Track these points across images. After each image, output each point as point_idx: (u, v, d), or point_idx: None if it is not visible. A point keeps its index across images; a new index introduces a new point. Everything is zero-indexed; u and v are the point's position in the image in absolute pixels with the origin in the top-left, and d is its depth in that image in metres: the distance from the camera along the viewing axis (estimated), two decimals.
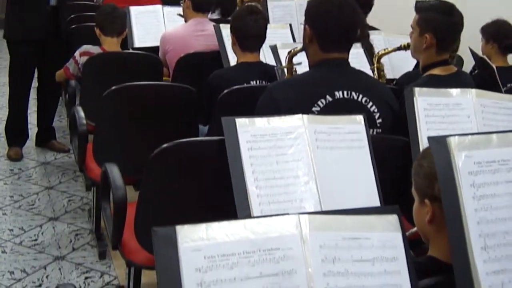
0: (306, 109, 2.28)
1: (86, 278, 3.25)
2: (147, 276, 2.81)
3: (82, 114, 3.35)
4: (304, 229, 1.31)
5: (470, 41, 3.81)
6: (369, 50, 3.57)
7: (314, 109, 2.38)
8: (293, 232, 1.30)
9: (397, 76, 3.62)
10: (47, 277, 3.25)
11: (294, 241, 1.29)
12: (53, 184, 4.41)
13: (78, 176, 4.51)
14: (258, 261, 1.25)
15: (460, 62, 4.08)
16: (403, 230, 1.41)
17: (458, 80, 2.77)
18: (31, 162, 4.81)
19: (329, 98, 2.41)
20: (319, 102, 2.39)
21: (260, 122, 2.07)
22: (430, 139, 1.55)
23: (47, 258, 3.43)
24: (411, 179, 1.72)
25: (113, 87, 3.02)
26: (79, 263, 3.39)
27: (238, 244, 1.25)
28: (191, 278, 1.20)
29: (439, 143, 1.52)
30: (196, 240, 1.23)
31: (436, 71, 2.83)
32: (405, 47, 3.18)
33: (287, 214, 1.32)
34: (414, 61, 3.61)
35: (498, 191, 1.50)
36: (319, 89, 2.42)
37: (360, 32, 2.68)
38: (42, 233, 3.70)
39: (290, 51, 3.06)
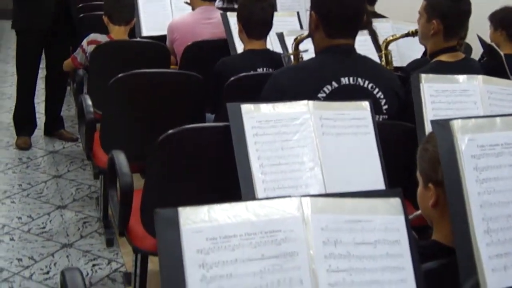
0: (311, 96, 2.28)
1: (93, 265, 3.28)
2: (154, 263, 2.83)
3: (89, 102, 3.36)
4: (306, 211, 1.31)
5: (479, 29, 3.79)
6: (373, 37, 3.56)
7: (319, 95, 2.38)
8: (295, 215, 1.30)
9: (405, 64, 3.61)
10: (54, 264, 3.27)
11: (296, 223, 1.29)
12: (61, 173, 4.43)
13: (86, 165, 4.54)
14: (260, 243, 1.25)
15: (469, 50, 4.07)
16: (406, 213, 1.41)
17: (466, 67, 2.76)
18: (39, 151, 4.84)
19: (335, 84, 2.41)
20: (324, 89, 2.39)
21: (266, 108, 2.07)
22: (433, 122, 1.55)
23: (55, 245, 3.46)
24: (416, 165, 1.72)
25: (120, 75, 3.03)
26: (87, 250, 3.42)
27: (239, 226, 1.25)
28: (193, 259, 1.21)
29: (443, 126, 1.52)
30: (198, 221, 1.23)
31: (443, 58, 2.82)
32: (413, 33, 3.18)
33: (289, 196, 1.32)
34: (422, 49, 3.60)
35: (501, 175, 1.50)
36: (324, 75, 2.42)
37: (365, 18, 2.67)
38: (50, 221, 3.72)
39: (296, 37, 3.06)
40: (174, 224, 1.23)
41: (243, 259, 1.23)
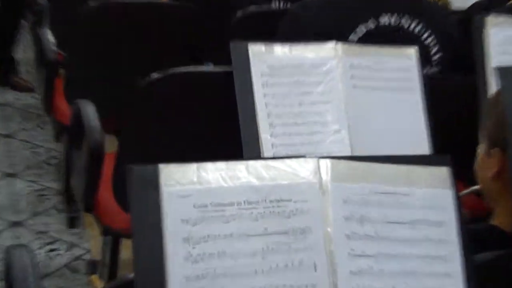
0: (341, 37, 2.28)
1: (50, 250, 3.31)
2: (128, 249, 2.85)
3: (51, 38, 3.36)
4: (325, 177, 1.31)
5: None
6: None
7: (351, 37, 2.39)
8: (311, 180, 1.30)
9: (467, 6, 3.59)
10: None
11: (310, 192, 1.30)
12: (12, 131, 4.45)
13: (45, 122, 4.54)
14: (263, 214, 1.26)
15: None
16: (456, 187, 1.41)
17: None
18: None
19: (371, 24, 2.41)
20: (358, 29, 2.39)
21: (280, 50, 2.09)
22: (498, 70, 1.54)
23: (1, 224, 3.49)
24: (474, 132, 1.72)
25: (91, 3, 3.03)
26: (42, 231, 3.45)
27: (238, 191, 1.26)
28: (176, 231, 1.21)
29: (511, 74, 1.52)
30: (184, 183, 1.24)
31: None
32: None
33: (303, 156, 1.33)
34: None
35: None
36: (360, 11, 2.42)
37: None
38: None
39: None
40: (153, 185, 1.23)
41: (240, 233, 1.24)
